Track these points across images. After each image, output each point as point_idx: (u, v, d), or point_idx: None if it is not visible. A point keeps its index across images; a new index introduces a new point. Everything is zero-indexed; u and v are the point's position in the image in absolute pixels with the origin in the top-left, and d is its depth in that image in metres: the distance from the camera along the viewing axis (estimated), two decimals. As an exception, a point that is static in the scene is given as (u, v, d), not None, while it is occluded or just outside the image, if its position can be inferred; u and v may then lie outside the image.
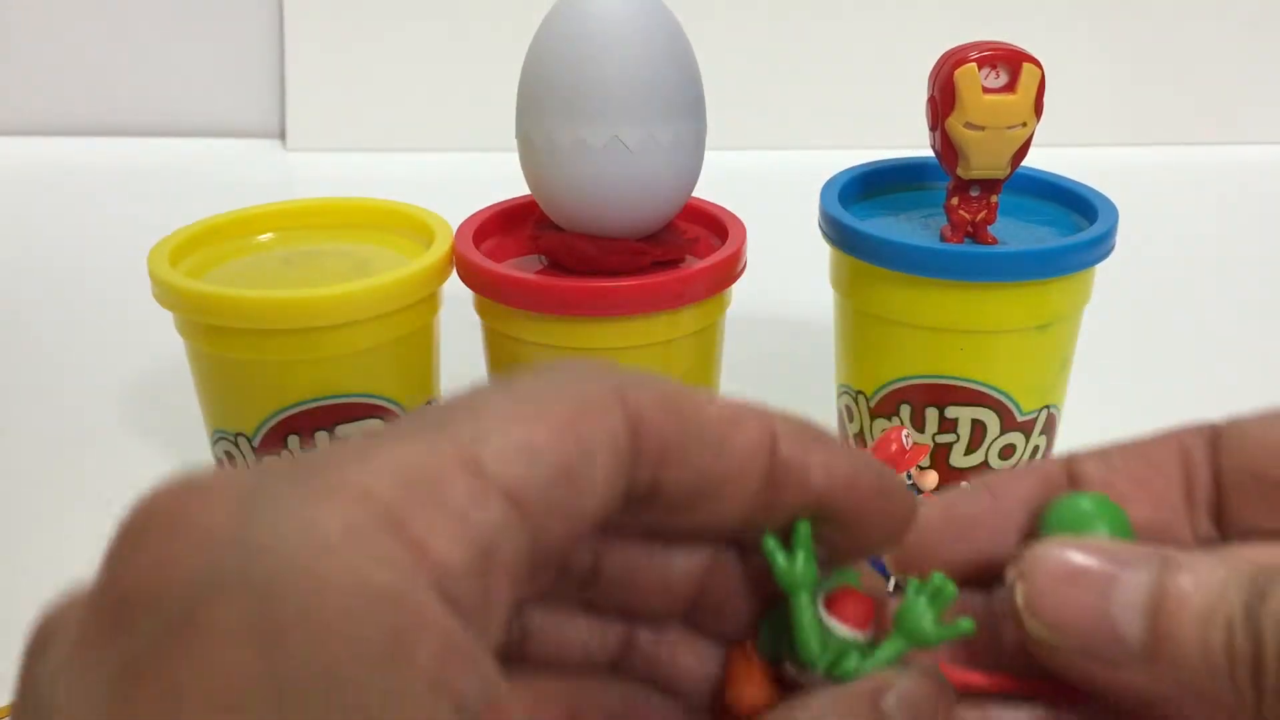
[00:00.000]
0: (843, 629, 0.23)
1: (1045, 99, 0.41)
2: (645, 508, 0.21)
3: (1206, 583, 0.22)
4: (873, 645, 0.23)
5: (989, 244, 0.43)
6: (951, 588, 0.23)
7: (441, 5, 0.86)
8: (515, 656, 0.24)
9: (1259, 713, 0.22)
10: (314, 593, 0.16)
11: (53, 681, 0.18)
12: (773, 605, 0.24)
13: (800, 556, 0.23)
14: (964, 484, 0.25)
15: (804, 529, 0.23)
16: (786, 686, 0.24)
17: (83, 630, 0.17)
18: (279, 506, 0.17)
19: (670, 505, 0.22)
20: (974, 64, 0.40)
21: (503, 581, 0.19)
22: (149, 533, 0.18)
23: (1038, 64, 0.41)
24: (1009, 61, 0.40)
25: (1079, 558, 0.23)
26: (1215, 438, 0.25)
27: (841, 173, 0.47)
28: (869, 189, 0.47)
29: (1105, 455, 0.26)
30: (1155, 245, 0.69)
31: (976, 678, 0.24)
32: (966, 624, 0.23)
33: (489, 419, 0.19)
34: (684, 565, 0.24)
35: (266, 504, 0.18)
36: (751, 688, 0.23)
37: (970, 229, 0.43)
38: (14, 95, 0.87)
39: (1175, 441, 0.26)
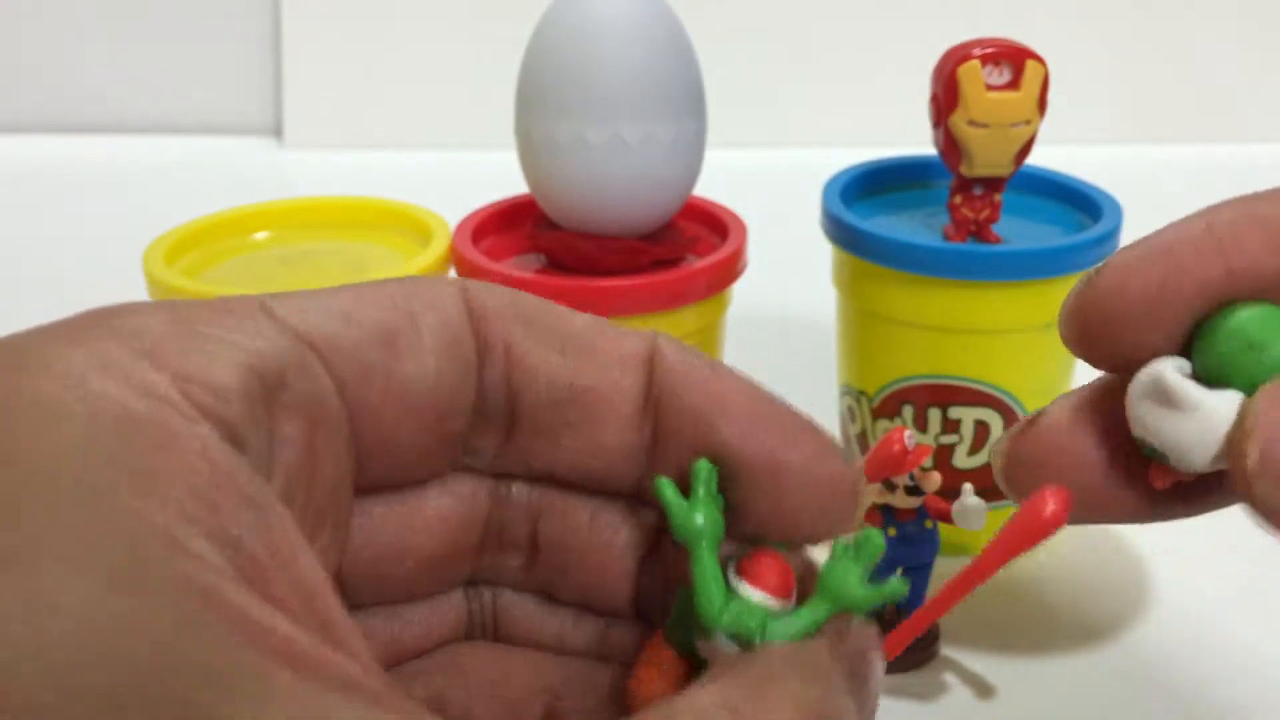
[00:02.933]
0: (756, 593, 0.19)
1: (1049, 96, 0.41)
2: (518, 433, 0.19)
3: None
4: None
5: (992, 243, 0.43)
6: (879, 540, 0.19)
7: (440, 1, 0.86)
8: (490, 636, 0.22)
9: None
10: (54, 419, 0.14)
11: None
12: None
13: (699, 500, 0.19)
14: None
15: (704, 468, 0.19)
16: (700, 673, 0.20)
17: None
18: (33, 347, 0.16)
19: (537, 424, 0.19)
20: (977, 61, 0.40)
21: (295, 419, 0.17)
22: None
23: (1041, 61, 0.40)
24: (1012, 58, 0.40)
25: None
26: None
27: (843, 171, 0.46)
28: (871, 187, 0.47)
29: None
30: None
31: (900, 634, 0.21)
32: (898, 584, 0.20)
33: (300, 298, 0.18)
34: (621, 540, 0.21)
35: (26, 349, 0.16)
36: (649, 673, 0.20)
37: (973, 227, 0.43)
38: (5, 91, 0.87)
39: None
